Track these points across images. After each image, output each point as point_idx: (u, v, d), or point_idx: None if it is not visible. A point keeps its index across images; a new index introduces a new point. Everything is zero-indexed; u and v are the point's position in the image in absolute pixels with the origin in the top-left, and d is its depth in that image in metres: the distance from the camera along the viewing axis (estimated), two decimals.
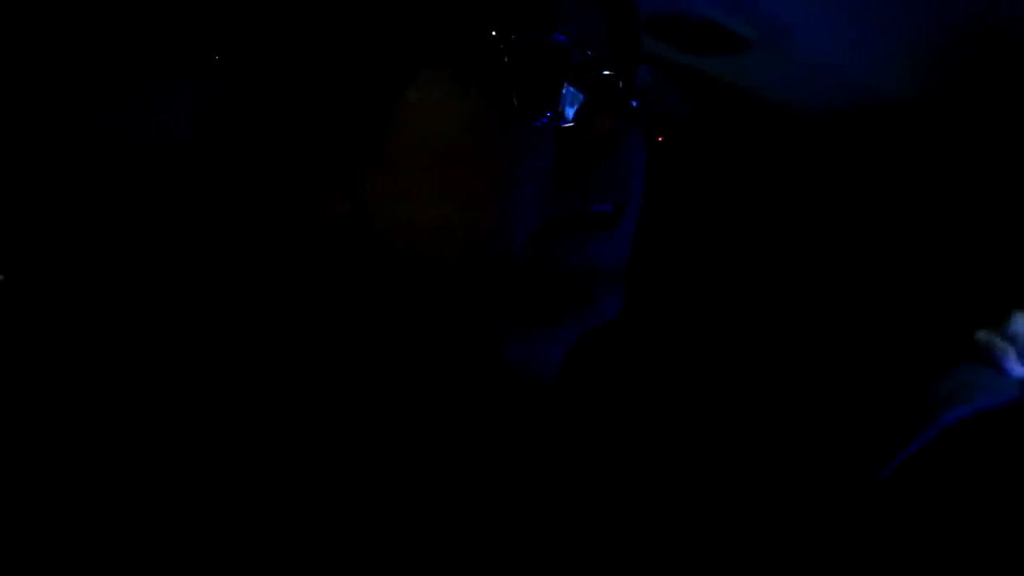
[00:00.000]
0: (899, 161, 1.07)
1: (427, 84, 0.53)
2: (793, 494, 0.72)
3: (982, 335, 0.77)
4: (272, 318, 0.55)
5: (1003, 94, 0.96)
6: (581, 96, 0.54)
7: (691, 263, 1.10)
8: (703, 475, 0.72)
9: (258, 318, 0.55)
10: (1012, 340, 0.76)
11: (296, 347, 0.54)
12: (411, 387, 0.53)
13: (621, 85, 0.55)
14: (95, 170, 0.79)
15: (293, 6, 0.57)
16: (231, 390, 0.52)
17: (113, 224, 0.78)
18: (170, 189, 0.80)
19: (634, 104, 0.57)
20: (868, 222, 1.09)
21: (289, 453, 0.50)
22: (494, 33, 0.52)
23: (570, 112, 0.54)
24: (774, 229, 1.10)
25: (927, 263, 1.05)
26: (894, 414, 0.73)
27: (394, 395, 0.53)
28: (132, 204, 0.79)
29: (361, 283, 0.56)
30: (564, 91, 0.54)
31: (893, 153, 1.07)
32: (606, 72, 0.55)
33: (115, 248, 0.76)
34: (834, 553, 0.69)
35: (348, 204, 0.56)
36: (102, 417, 0.50)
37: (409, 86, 0.54)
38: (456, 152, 0.53)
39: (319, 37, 0.56)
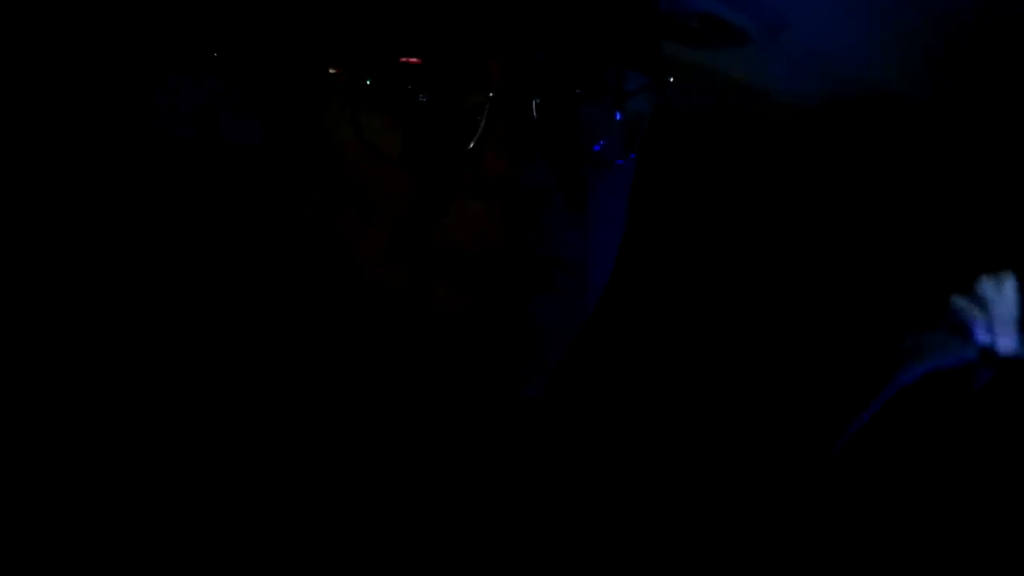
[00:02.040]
0: (896, 153, 1.07)
1: (334, 114, 0.49)
2: (756, 457, 0.73)
3: (958, 300, 0.79)
4: (261, 316, 0.56)
5: (1002, 88, 0.96)
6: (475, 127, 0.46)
7: (686, 253, 1.10)
8: (674, 444, 0.72)
9: (250, 316, 0.56)
10: (982, 306, 0.77)
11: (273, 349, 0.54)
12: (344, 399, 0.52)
13: (535, 115, 0.46)
14: (96, 166, 0.80)
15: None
16: (222, 389, 0.52)
17: (112, 220, 0.79)
18: (172, 186, 0.80)
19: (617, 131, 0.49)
20: (855, 207, 1.09)
21: (276, 451, 0.50)
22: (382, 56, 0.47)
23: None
24: (771, 220, 1.10)
25: (897, 243, 1.06)
26: (856, 374, 0.75)
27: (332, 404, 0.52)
28: (133, 200, 0.79)
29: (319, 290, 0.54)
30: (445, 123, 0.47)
31: (891, 145, 1.07)
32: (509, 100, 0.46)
33: (113, 244, 0.76)
34: (798, 514, 0.69)
35: (307, 211, 0.52)
36: (95, 415, 0.51)
37: (322, 115, 0.50)
38: (351, 178, 0.49)
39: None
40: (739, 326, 1.00)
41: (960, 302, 0.77)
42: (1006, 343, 0.77)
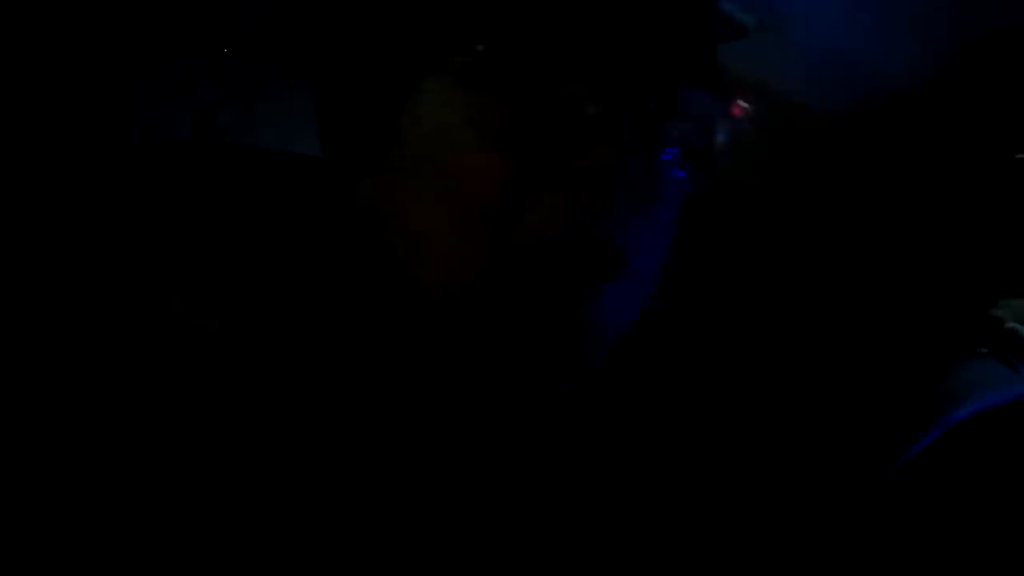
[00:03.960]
0: (907, 150, 1.05)
1: (429, 91, 0.51)
2: (799, 490, 0.71)
3: (1012, 326, 0.77)
4: (281, 312, 0.55)
5: (1014, 80, 0.95)
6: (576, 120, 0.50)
7: (722, 268, 1.08)
8: (708, 471, 0.71)
9: (265, 312, 0.55)
10: None
11: (300, 342, 0.54)
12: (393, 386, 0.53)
13: (633, 117, 0.50)
14: (93, 165, 0.78)
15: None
16: (231, 390, 0.52)
17: (111, 220, 0.78)
18: (169, 184, 0.79)
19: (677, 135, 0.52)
20: (876, 213, 1.08)
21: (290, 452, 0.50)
22: (489, 43, 0.50)
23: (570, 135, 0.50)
24: (780, 221, 1.09)
25: (934, 256, 1.04)
26: (903, 409, 0.72)
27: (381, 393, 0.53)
28: (131, 200, 0.78)
29: (375, 275, 0.54)
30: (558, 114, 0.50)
31: (901, 142, 1.05)
32: (619, 101, 0.49)
33: (113, 244, 0.75)
34: (839, 550, 0.68)
35: (373, 189, 0.54)
36: (98, 418, 0.50)
37: (412, 92, 0.52)
38: (451, 165, 0.50)
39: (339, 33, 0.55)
40: (751, 328, 0.98)
41: (1010, 328, 0.75)
42: None
